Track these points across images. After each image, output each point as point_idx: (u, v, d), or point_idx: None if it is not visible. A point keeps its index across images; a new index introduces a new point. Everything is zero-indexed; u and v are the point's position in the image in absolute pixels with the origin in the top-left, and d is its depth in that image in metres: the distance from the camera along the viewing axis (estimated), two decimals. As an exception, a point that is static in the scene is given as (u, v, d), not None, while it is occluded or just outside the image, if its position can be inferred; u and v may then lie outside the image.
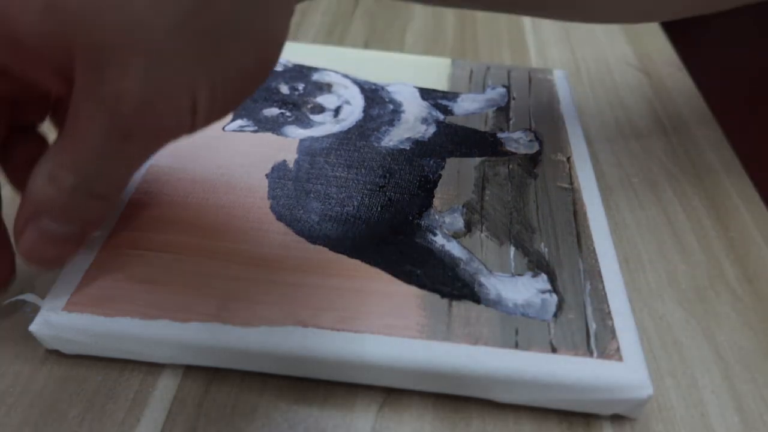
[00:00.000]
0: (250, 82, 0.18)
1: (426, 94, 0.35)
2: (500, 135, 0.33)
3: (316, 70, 0.36)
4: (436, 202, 0.28)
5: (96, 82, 0.16)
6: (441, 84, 0.36)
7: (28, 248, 0.19)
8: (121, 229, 0.26)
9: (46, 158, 0.18)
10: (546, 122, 0.34)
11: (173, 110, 0.17)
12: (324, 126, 0.32)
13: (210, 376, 0.23)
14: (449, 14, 0.50)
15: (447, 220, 0.27)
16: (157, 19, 0.15)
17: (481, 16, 0.50)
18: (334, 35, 0.46)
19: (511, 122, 0.34)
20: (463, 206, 0.28)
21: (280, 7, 0.18)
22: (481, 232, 0.27)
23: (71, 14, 0.15)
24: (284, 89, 0.34)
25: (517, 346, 0.22)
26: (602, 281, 0.25)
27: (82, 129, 0.17)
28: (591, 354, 0.22)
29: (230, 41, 0.17)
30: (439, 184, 0.29)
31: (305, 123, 0.32)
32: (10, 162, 0.22)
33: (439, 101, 0.35)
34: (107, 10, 0.15)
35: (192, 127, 0.18)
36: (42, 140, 0.23)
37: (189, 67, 0.16)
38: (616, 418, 0.23)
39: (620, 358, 0.22)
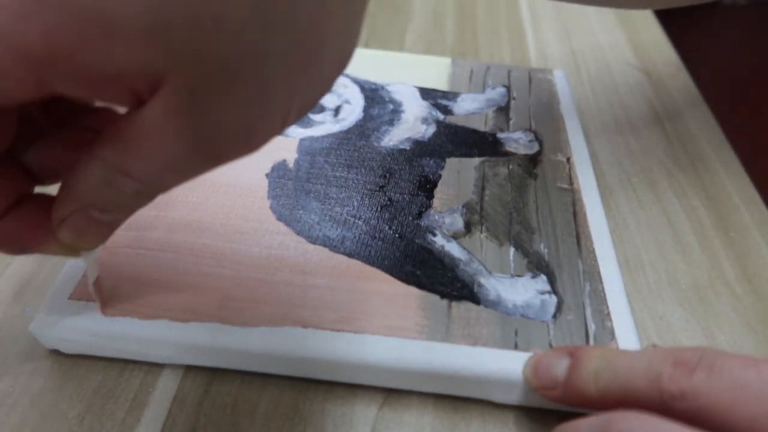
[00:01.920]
0: (329, 85, 0.18)
1: (426, 93, 0.35)
2: (500, 135, 0.33)
3: (316, 69, 0.36)
4: (436, 202, 0.28)
5: (191, 108, 0.15)
6: (441, 84, 0.36)
7: (73, 234, 0.19)
8: (122, 229, 0.25)
9: (98, 161, 0.17)
10: (546, 122, 0.34)
11: (264, 135, 0.17)
12: (324, 125, 0.32)
13: (210, 376, 0.23)
14: (449, 14, 0.50)
15: (447, 220, 0.27)
16: (270, 45, 0.14)
17: (481, 16, 0.50)
18: (334, 35, 0.46)
19: (511, 122, 0.34)
20: (463, 206, 0.28)
21: (360, 6, 0.17)
22: (481, 232, 0.27)
23: (178, 42, 0.14)
24: (284, 89, 0.34)
25: (516, 347, 0.22)
26: (602, 282, 0.25)
27: (160, 145, 0.16)
28: (591, 354, 0.22)
29: (322, 57, 0.16)
30: (439, 184, 0.29)
31: (305, 122, 0.32)
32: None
33: (439, 101, 0.35)
34: (221, 39, 0.14)
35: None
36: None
37: (288, 93, 0.16)
38: (616, 419, 0.23)
39: (620, 359, 0.22)
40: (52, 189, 0.19)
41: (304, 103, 0.17)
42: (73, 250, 0.20)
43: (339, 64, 0.17)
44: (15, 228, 0.19)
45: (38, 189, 0.20)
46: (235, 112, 0.15)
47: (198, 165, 0.17)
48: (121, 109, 0.17)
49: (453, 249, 0.26)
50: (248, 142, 0.16)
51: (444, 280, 0.24)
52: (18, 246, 0.19)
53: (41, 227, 0.19)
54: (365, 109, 0.33)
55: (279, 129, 0.17)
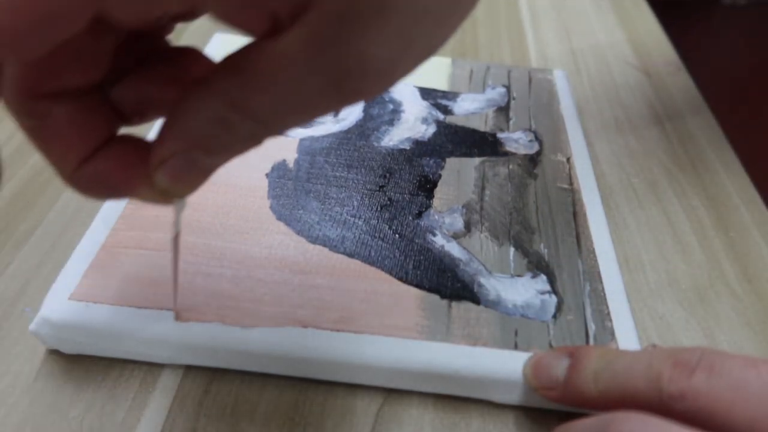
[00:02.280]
0: (452, 33, 0.16)
1: (426, 93, 0.35)
2: (500, 135, 0.33)
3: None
4: (436, 202, 0.28)
5: (336, 35, 0.14)
6: (441, 84, 0.36)
7: (170, 178, 0.17)
8: (121, 229, 0.26)
9: (215, 96, 0.15)
10: (546, 122, 0.34)
11: (402, 72, 0.15)
12: (324, 125, 0.32)
13: (210, 376, 0.23)
14: (449, 14, 0.50)
15: (447, 220, 0.27)
16: None
17: (481, 16, 0.50)
18: (334, 35, 0.46)
19: (511, 122, 0.34)
20: (462, 206, 0.28)
21: None
22: (481, 232, 0.27)
23: None
24: (284, 89, 0.34)
25: (516, 347, 0.22)
26: (602, 282, 0.25)
27: (292, 78, 0.14)
28: (591, 354, 0.22)
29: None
30: (439, 184, 0.29)
31: (305, 123, 0.32)
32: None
33: (439, 101, 0.35)
34: None
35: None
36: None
37: (433, 28, 0.15)
38: (616, 419, 0.23)
39: (620, 359, 0.22)
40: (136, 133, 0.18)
41: (436, 44, 0.16)
42: (165, 197, 0.18)
43: (467, 12, 0.16)
44: (106, 168, 0.17)
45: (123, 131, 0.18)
46: (382, 43, 0.14)
47: (328, 102, 0.15)
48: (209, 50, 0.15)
49: (453, 249, 0.26)
50: (388, 77, 0.15)
51: (444, 280, 0.24)
52: (107, 188, 0.18)
53: (133, 169, 0.17)
54: (365, 109, 0.33)
55: (412, 68, 0.15)
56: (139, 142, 0.18)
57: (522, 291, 0.24)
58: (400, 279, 0.24)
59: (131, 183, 0.18)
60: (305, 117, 0.16)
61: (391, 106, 0.34)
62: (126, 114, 0.18)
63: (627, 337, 0.23)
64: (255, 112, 0.15)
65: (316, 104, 0.15)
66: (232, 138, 0.16)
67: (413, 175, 0.30)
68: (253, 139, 0.16)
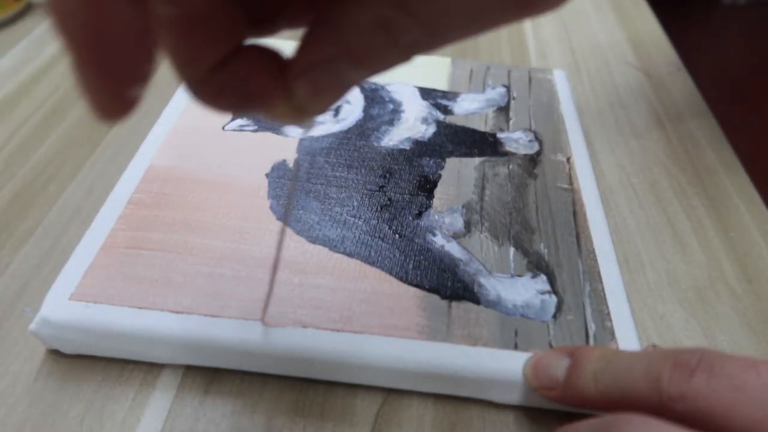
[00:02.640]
0: None
1: (426, 93, 0.35)
2: (500, 135, 0.33)
3: (316, 69, 0.36)
4: (436, 202, 0.28)
5: None
6: (441, 84, 0.36)
7: (310, 90, 0.16)
8: (121, 229, 0.26)
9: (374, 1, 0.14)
10: (546, 122, 0.34)
11: None
12: (324, 125, 0.32)
13: (210, 376, 0.23)
14: (449, 14, 0.50)
15: (447, 220, 0.27)
16: None
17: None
18: (334, 35, 0.46)
19: (511, 122, 0.34)
20: (463, 206, 0.28)
21: None
22: (481, 232, 0.27)
23: None
24: (284, 89, 0.34)
25: (516, 347, 0.22)
26: (602, 282, 0.25)
27: None
28: (591, 354, 0.22)
29: None
30: (439, 184, 0.29)
31: (305, 123, 0.32)
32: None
33: (439, 101, 0.35)
34: None
35: None
36: None
37: None
38: (616, 419, 0.23)
39: (620, 359, 0.22)
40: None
41: None
42: (299, 113, 0.17)
43: None
44: (240, 75, 0.15)
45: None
46: None
47: (503, 13, 0.14)
48: None
49: (453, 249, 0.26)
50: None
51: (444, 280, 0.24)
52: (239, 99, 0.16)
53: (269, 79, 0.16)
54: (365, 109, 0.33)
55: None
56: (272, 53, 0.16)
57: (522, 291, 0.24)
58: (400, 279, 0.24)
59: (266, 93, 0.16)
60: (475, 26, 0.14)
61: (391, 106, 0.34)
62: (258, 19, 0.17)
63: (627, 337, 0.23)
64: (421, 16, 0.14)
65: (490, 11, 0.14)
66: (390, 45, 0.14)
67: (413, 175, 0.30)
68: (410, 50, 0.15)
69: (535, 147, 0.32)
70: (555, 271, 0.25)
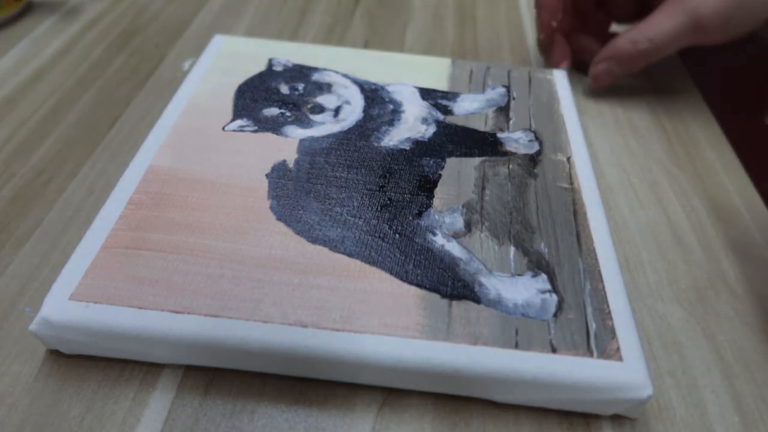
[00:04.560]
0: None
1: (426, 94, 0.35)
2: (500, 135, 0.33)
3: (316, 70, 0.36)
4: (436, 202, 0.28)
5: None
6: (441, 84, 0.36)
7: (595, 75, 0.38)
8: (121, 229, 0.26)
9: (633, 29, 0.35)
10: (546, 122, 0.34)
11: (745, 26, 0.32)
12: (324, 126, 0.32)
13: (210, 376, 0.23)
14: (449, 14, 0.50)
15: (447, 220, 0.27)
16: None
17: (481, 16, 0.50)
18: (334, 35, 0.46)
19: (511, 122, 0.34)
20: (463, 206, 0.28)
21: None
22: (481, 232, 0.27)
23: None
24: (284, 89, 0.34)
25: (517, 346, 0.22)
26: (602, 281, 0.25)
27: (663, 20, 0.34)
28: (591, 354, 0.22)
29: None
30: (439, 184, 0.29)
31: (305, 123, 0.32)
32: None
33: (439, 101, 0.35)
34: None
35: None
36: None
37: None
38: (616, 418, 0.23)
39: (620, 358, 0.22)
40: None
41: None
42: (595, 83, 0.39)
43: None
44: (585, 47, 0.40)
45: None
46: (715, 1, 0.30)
47: (687, 38, 0.34)
48: None
49: (453, 248, 0.26)
50: (754, 21, 0.29)
51: (444, 280, 0.24)
52: (566, 55, 0.39)
53: (591, 55, 0.39)
54: (365, 110, 0.33)
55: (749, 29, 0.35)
56: (596, 40, 0.40)
57: (522, 290, 0.24)
58: (401, 278, 0.24)
59: (588, 56, 0.39)
60: (672, 46, 0.35)
61: (391, 107, 0.34)
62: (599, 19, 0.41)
63: (628, 336, 0.23)
64: (649, 39, 0.35)
65: (677, 38, 0.34)
66: (635, 54, 0.35)
67: (413, 175, 0.30)
68: (647, 57, 0.35)
69: (535, 147, 0.32)
70: (555, 270, 0.25)
